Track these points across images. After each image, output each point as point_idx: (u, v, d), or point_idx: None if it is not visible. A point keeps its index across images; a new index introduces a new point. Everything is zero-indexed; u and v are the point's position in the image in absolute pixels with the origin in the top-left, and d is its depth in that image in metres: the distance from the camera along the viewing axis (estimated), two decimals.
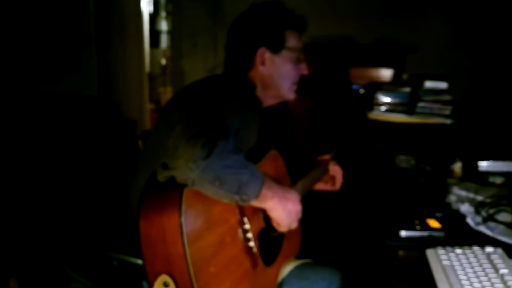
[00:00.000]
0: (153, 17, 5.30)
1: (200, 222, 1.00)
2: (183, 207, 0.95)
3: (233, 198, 1.02)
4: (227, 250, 1.07)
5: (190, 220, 0.96)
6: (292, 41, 1.36)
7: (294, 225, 1.20)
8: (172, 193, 0.97)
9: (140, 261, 1.17)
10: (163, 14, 5.51)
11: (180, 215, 0.95)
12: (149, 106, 4.62)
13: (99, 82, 3.12)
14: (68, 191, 1.43)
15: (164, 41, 5.62)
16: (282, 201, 1.13)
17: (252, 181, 1.03)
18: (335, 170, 1.64)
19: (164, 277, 0.97)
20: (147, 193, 1.01)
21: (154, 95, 5.30)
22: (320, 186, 1.64)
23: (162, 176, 0.98)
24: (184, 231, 0.94)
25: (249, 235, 1.16)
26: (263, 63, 1.35)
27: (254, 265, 1.17)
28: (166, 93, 5.44)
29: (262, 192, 1.07)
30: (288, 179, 1.44)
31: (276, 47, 1.35)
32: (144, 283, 1.20)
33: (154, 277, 0.98)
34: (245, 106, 1.29)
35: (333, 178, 1.65)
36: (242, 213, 1.15)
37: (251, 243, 1.16)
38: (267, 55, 1.35)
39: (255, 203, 1.09)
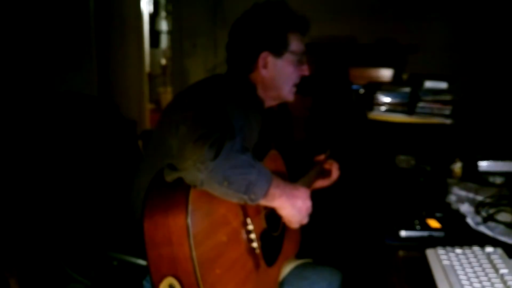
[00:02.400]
0: (153, 17, 5.31)
1: (205, 223, 0.99)
2: (190, 208, 0.94)
3: (242, 198, 1.01)
4: (231, 251, 1.07)
5: (196, 221, 0.95)
6: (295, 44, 1.35)
7: (305, 221, 1.19)
8: (177, 194, 0.97)
9: (140, 261, 1.18)
10: (163, 14, 5.52)
11: (186, 216, 0.94)
12: (149, 106, 4.63)
13: (99, 82, 3.12)
14: (68, 191, 1.43)
15: (164, 41, 5.63)
16: (290, 198, 1.13)
17: (260, 180, 1.03)
18: (331, 163, 1.66)
19: (170, 280, 0.95)
20: (151, 194, 1.00)
21: (154, 95, 5.31)
22: (318, 183, 1.64)
23: (170, 178, 0.98)
24: (191, 232, 0.93)
25: (252, 235, 1.16)
26: (265, 66, 1.34)
27: (257, 265, 1.17)
28: (166, 93, 5.45)
29: (270, 191, 1.06)
30: (288, 178, 1.44)
31: (279, 51, 1.34)
32: (145, 283, 1.20)
33: (160, 279, 0.96)
34: (247, 106, 1.28)
35: (329, 172, 1.66)
36: (245, 214, 1.15)
37: (254, 244, 1.16)
38: (270, 59, 1.34)
39: (264, 202, 1.09)
